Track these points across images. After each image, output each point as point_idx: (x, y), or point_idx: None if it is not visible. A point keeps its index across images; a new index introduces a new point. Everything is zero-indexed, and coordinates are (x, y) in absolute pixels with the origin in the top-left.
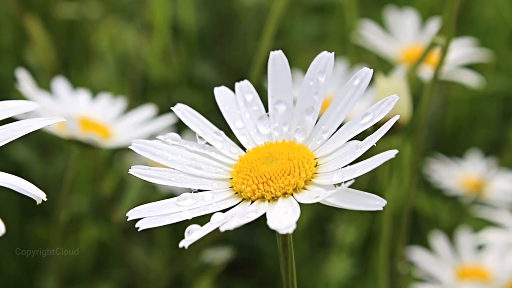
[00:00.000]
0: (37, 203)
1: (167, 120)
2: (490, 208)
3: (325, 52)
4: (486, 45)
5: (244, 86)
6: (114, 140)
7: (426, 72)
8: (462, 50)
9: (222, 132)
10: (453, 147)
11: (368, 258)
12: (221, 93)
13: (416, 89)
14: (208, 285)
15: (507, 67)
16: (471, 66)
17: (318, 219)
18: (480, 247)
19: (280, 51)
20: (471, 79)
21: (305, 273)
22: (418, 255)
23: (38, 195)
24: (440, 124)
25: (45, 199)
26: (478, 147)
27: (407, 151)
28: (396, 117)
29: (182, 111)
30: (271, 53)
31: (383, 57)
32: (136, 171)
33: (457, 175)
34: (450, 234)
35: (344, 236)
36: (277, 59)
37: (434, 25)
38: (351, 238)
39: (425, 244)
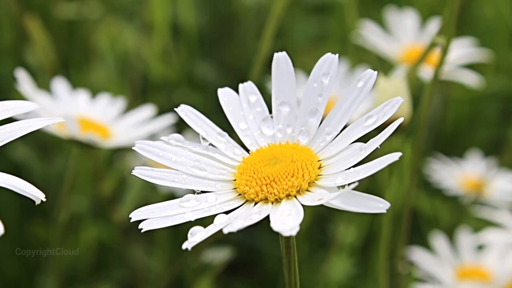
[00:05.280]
0: (36, 204)
1: (167, 120)
2: (490, 208)
3: (329, 54)
4: (486, 45)
5: (248, 88)
6: (113, 140)
7: (426, 72)
8: (462, 50)
9: (225, 134)
10: (453, 147)
11: (368, 258)
12: (224, 94)
13: (416, 89)
14: (208, 285)
15: (507, 67)
16: (471, 66)
17: (318, 219)
18: (480, 247)
19: (284, 53)
20: (471, 79)
21: (305, 273)
22: (418, 255)
23: (37, 195)
24: (440, 124)
25: (44, 200)
26: (478, 147)
27: (407, 151)
28: (400, 120)
29: (186, 112)
30: (275, 54)
31: (383, 57)
32: (139, 172)
33: (457, 175)
34: (450, 234)
35: (344, 236)
36: (281, 61)
37: (434, 25)
38: (351, 238)
39: (425, 244)
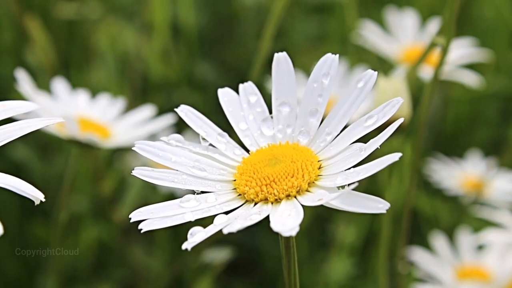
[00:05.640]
0: (36, 204)
1: (167, 120)
2: (490, 208)
3: (329, 54)
4: (486, 45)
5: (248, 88)
6: (113, 140)
7: (426, 72)
8: (462, 50)
9: (225, 134)
10: (453, 147)
11: (368, 258)
12: (225, 94)
13: (416, 89)
14: (208, 285)
15: (507, 67)
16: (471, 66)
17: (318, 219)
18: (480, 247)
19: (284, 53)
20: (471, 79)
21: (305, 273)
22: (418, 255)
23: (36, 195)
24: (440, 124)
25: (43, 200)
26: (478, 147)
27: (407, 151)
28: (400, 120)
29: (186, 112)
30: (276, 55)
31: (383, 57)
32: (139, 172)
33: (457, 175)
34: (450, 234)
35: (344, 236)
36: (281, 61)
37: (434, 25)
38: (351, 238)
39: (425, 244)
